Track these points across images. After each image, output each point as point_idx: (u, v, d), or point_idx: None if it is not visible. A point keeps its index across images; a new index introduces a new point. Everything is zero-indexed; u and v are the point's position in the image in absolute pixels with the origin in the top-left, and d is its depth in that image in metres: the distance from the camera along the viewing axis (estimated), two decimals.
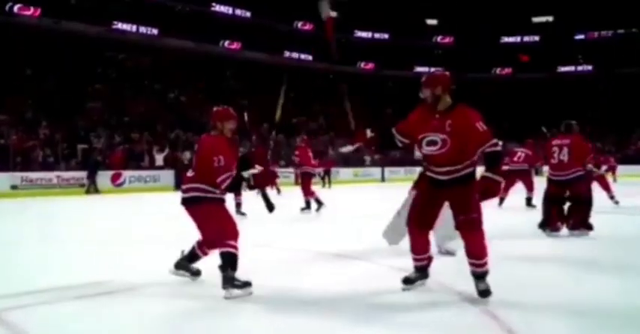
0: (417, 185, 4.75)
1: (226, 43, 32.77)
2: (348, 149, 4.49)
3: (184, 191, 3.96)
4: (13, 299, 3.74)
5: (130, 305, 3.63)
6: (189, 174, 4.00)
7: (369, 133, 3.94)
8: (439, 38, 41.57)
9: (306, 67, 35.87)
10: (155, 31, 29.69)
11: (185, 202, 3.93)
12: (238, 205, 9.10)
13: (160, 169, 20.02)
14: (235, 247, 3.78)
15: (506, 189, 9.88)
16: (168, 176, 19.45)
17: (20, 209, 12.23)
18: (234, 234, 3.82)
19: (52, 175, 17.48)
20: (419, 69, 40.27)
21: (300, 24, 35.82)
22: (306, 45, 35.98)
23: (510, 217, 8.59)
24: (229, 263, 3.73)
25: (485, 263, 3.48)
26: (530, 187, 10.27)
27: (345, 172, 25.66)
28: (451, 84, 3.56)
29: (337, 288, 4.01)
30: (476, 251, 3.46)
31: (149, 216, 10.45)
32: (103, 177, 17.93)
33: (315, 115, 32.16)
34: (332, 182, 22.18)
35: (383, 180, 26.73)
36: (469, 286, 3.59)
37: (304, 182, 10.13)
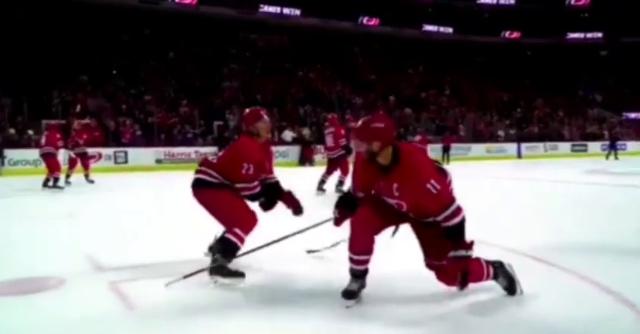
0: None
1: (365, 20, 32.66)
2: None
3: (195, 172, 3.64)
4: (130, 271, 3.82)
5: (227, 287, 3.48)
6: (211, 158, 3.71)
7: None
8: (572, 1, 37.36)
9: (439, 39, 34.55)
10: (297, 12, 30.54)
11: (193, 185, 3.59)
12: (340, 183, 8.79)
13: (289, 145, 20.52)
14: (242, 239, 3.40)
15: None
16: (295, 151, 20.06)
17: (162, 181, 13.13)
18: (247, 224, 3.44)
19: (190, 150, 18.66)
20: (572, 35, 36.85)
21: None
22: (441, 17, 34.68)
23: None
24: (226, 251, 3.38)
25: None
26: None
27: (477, 148, 24.28)
28: (393, 134, 2.82)
29: None
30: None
31: None
32: None
33: (443, 89, 30.75)
34: (460, 158, 21.26)
35: (519, 156, 24.86)
36: None
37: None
